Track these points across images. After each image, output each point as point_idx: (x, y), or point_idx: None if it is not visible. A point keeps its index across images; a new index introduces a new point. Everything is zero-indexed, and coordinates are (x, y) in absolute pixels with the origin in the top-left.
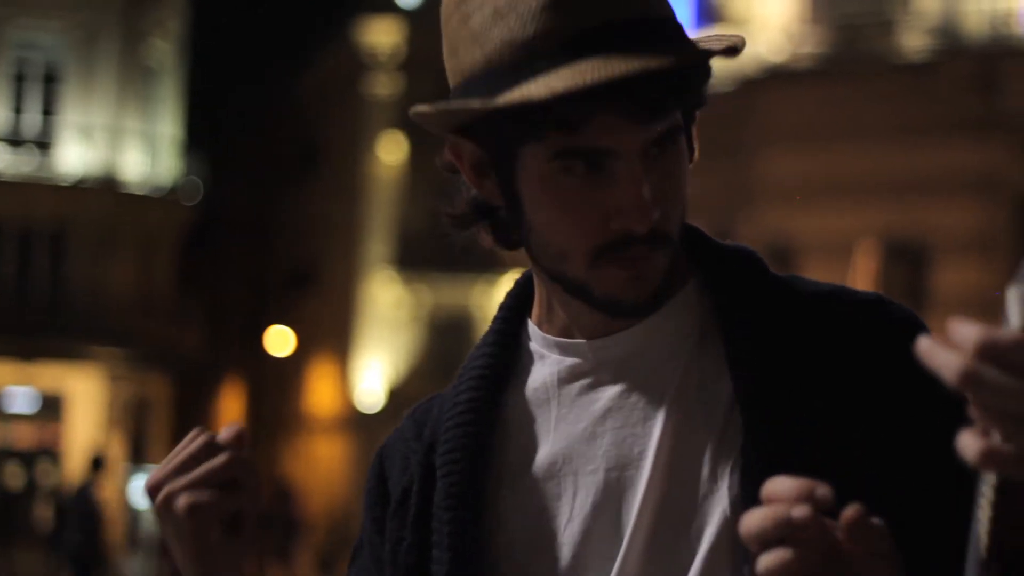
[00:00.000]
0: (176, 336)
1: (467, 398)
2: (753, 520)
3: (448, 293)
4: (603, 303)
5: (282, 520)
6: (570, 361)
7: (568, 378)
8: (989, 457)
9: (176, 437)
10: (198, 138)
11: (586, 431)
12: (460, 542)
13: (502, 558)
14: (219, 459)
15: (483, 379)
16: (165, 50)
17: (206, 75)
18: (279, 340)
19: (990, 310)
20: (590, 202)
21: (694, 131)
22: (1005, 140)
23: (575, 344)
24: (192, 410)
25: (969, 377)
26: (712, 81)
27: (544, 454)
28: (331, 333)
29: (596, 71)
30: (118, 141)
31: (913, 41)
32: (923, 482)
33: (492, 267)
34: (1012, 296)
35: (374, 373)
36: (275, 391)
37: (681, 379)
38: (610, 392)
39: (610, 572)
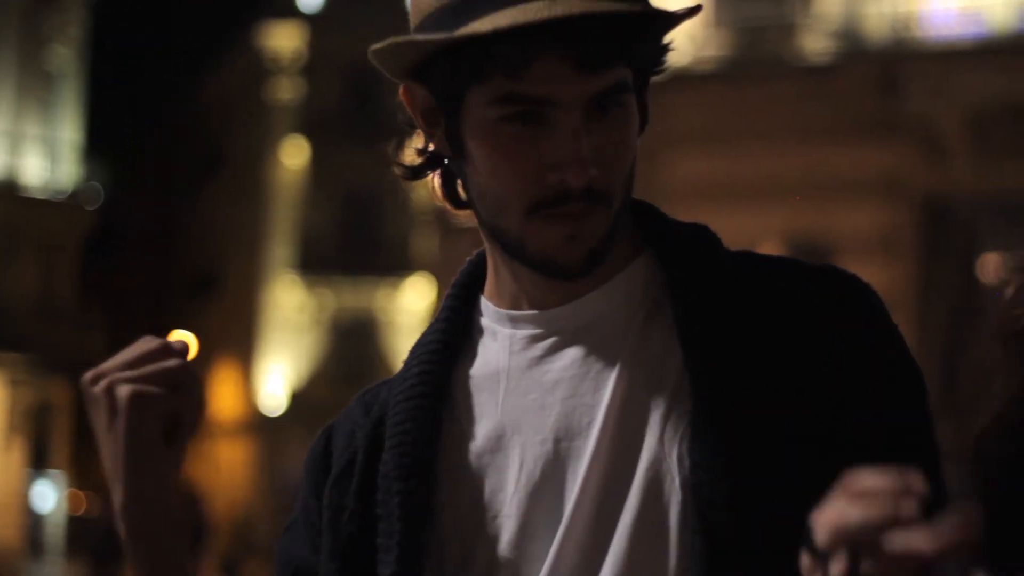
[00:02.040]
0: (78, 341)
1: (418, 371)
2: (853, 516)
3: (351, 297)
4: (537, 262)
5: (190, 525)
6: (521, 332)
7: (518, 350)
8: None
9: (78, 443)
10: (99, 143)
11: (535, 402)
12: (410, 511)
13: (454, 528)
14: (170, 361)
15: (434, 354)
16: (66, 55)
17: (108, 80)
18: None
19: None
20: (528, 152)
21: (647, 96)
22: (907, 142)
23: (525, 315)
24: None
25: None
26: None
27: (493, 425)
28: (234, 337)
29: (540, 11)
30: (18, 146)
31: (815, 44)
32: (869, 446)
33: (395, 271)
34: None
35: (277, 377)
36: None
37: (631, 350)
38: (560, 363)
39: (555, 539)
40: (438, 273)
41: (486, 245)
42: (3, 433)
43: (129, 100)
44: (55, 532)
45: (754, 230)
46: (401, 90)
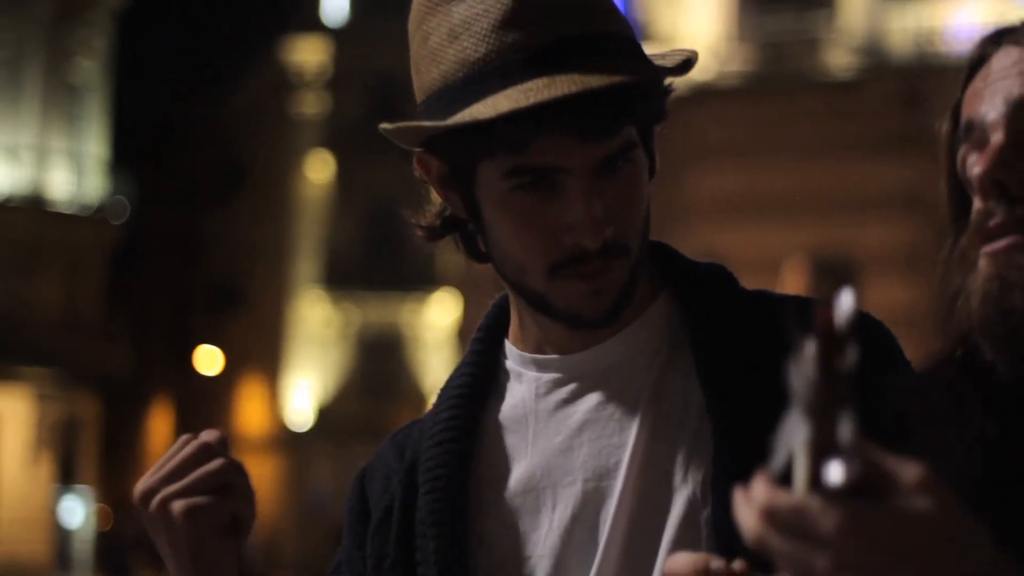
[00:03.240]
0: (104, 355)
1: (447, 416)
2: None
3: (377, 312)
4: (563, 316)
5: None
6: (546, 376)
7: (544, 393)
8: None
9: (104, 456)
10: (125, 157)
11: (563, 444)
12: (446, 556)
13: (486, 568)
14: (213, 464)
15: (462, 398)
16: (91, 69)
17: (133, 94)
18: (208, 359)
19: (916, 325)
20: (543, 218)
21: (654, 145)
22: (931, 157)
23: (549, 360)
24: (121, 430)
25: (757, 541)
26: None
27: (523, 468)
28: (260, 352)
29: (540, 92)
30: (44, 160)
31: (839, 59)
32: None
33: (421, 285)
34: (778, 441)
35: (303, 392)
36: (204, 410)
37: (653, 391)
38: (585, 405)
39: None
40: (464, 288)
41: (510, 293)
42: (30, 448)
43: (154, 114)
44: (83, 547)
45: (778, 245)
46: (415, 160)
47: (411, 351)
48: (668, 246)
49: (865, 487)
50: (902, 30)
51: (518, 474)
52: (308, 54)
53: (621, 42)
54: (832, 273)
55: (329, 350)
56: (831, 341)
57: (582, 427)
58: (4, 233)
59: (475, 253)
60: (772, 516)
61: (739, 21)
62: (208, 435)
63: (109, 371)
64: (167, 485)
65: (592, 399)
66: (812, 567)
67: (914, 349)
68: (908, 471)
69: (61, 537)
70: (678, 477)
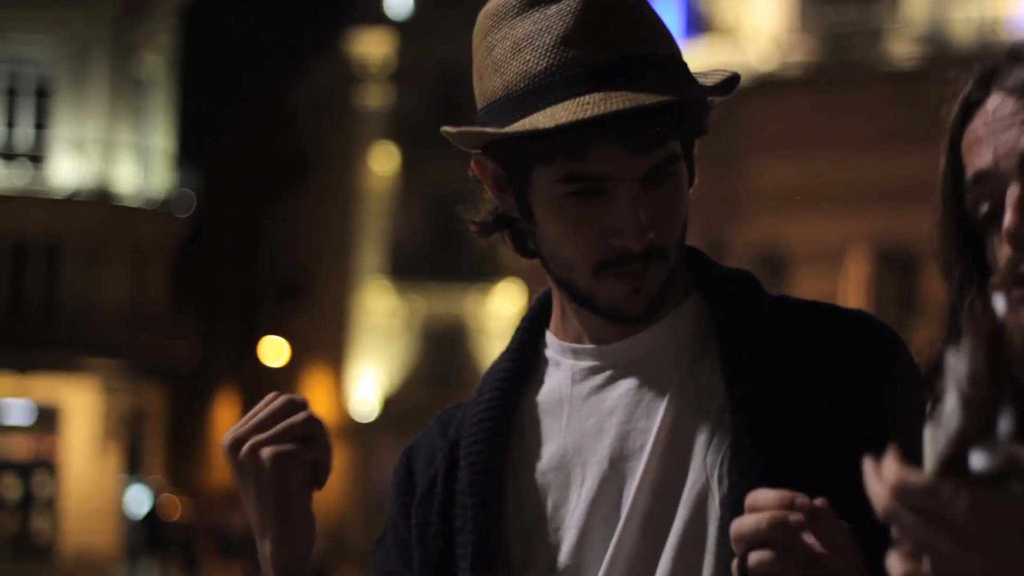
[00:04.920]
0: (170, 347)
1: (489, 398)
2: (748, 523)
3: (441, 302)
4: (606, 312)
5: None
6: (582, 364)
7: (580, 379)
8: None
9: (171, 447)
10: (190, 150)
11: (595, 426)
12: (482, 524)
13: (518, 537)
14: (299, 415)
15: (504, 381)
16: (156, 63)
17: (198, 88)
18: (273, 350)
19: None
20: (593, 221)
21: (694, 156)
22: None
23: (587, 349)
24: (187, 421)
25: (887, 513)
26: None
27: (557, 446)
28: (325, 343)
29: (597, 106)
30: (110, 154)
31: (901, 49)
32: None
33: (485, 277)
34: (927, 435)
35: (368, 382)
36: None
37: (680, 381)
38: (617, 392)
39: (608, 549)
40: (527, 279)
41: (553, 289)
42: (98, 439)
43: (219, 107)
44: (148, 537)
45: (841, 236)
46: (472, 161)
47: (475, 341)
48: (700, 251)
49: (998, 478)
50: (965, 19)
51: (551, 452)
52: (372, 47)
53: (670, 62)
54: (895, 263)
55: (394, 340)
56: (995, 340)
57: (613, 411)
58: (71, 227)
59: (523, 250)
60: (904, 493)
61: (801, 12)
62: (294, 396)
63: (175, 363)
64: (257, 433)
65: (624, 386)
66: (937, 547)
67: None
68: (1002, 461)
69: (128, 527)
70: (697, 461)
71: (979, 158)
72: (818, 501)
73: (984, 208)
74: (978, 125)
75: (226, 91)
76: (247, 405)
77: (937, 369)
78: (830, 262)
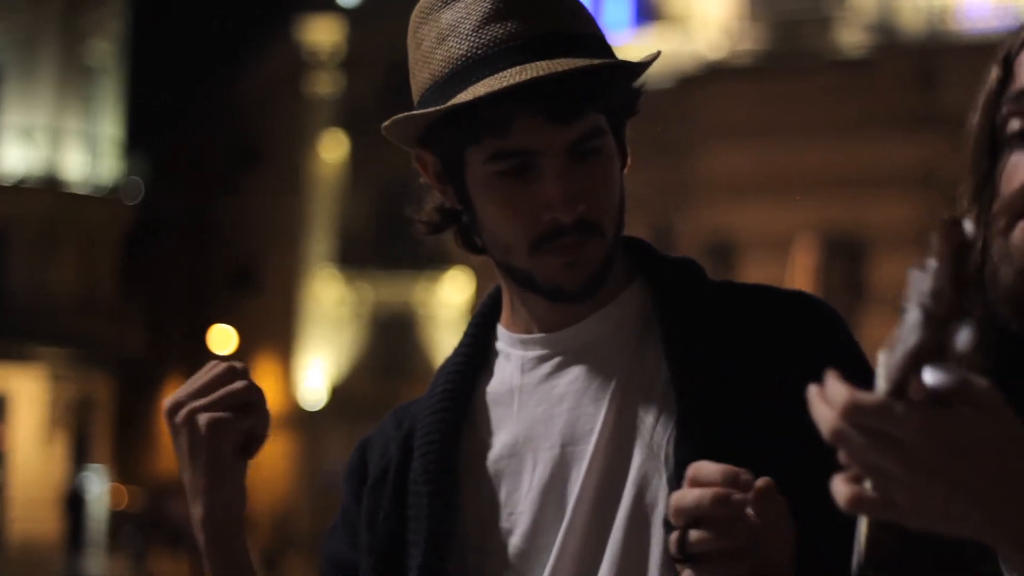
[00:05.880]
0: (118, 335)
1: (442, 390)
2: (689, 497)
3: (390, 291)
4: (547, 290)
5: None
6: (531, 353)
7: (529, 368)
8: (857, 503)
9: (119, 436)
10: (139, 138)
11: (545, 413)
12: (436, 511)
13: (473, 525)
14: (237, 384)
15: (457, 374)
16: (106, 50)
17: (147, 75)
18: (222, 339)
19: None
20: (523, 198)
21: (625, 137)
22: (942, 134)
23: (535, 338)
24: (135, 409)
25: (835, 435)
26: (650, 80)
27: (509, 435)
28: (274, 331)
29: (514, 76)
30: (59, 141)
31: (851, 37)
32: (824, 465)
33: (433, 265)
34: (880, 360)
35: (317, 371)
36: None
37: (626, 366)
38: (565, 379)
39: (560, 531)
40: (476, 267)
41: (501, 280)
42: (45, 427)
43: (169, 95)
44: (96, 527)
45: (789, 224)
46: (413, 157)
47: (424, 330)
48: (643, 240)
49: (950, 398)
50: (914, 8)
51: (503, 440)
52: (322, 34)
53: (589, 39)
54: (842, 251)
55: (342, 329)
56: (961, 255)
57: (562, 398)
58: (19, 214)
59: (471, 245)
60: (853, 414)
61: (751, 0)
62: (235, 363)
63: (123, 351)
64: (195, 399)
65: (572, 373)
66: (885, 468)
67: None
68: (979, 384)
69: (75, 516)
70: (643, 442)
71: None
72: (760, 481)
73: (1016, 124)
74: None
75: (176, 79)
76: None
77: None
78: (779, 250)
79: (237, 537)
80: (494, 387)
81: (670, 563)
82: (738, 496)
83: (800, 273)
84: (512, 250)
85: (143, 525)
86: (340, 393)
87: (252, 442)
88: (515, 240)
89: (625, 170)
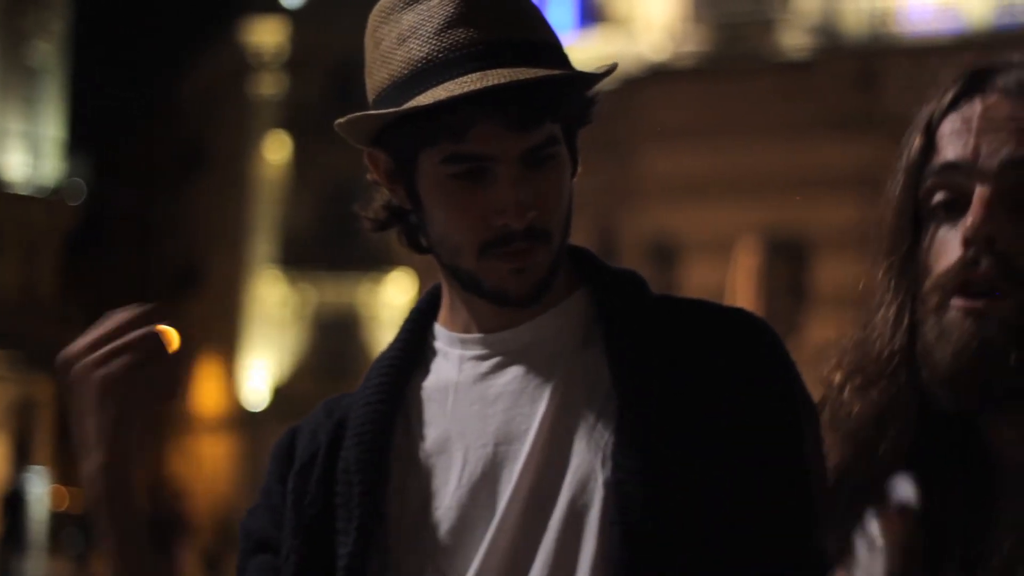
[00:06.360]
0: (61, 337)
1: (377, 383)
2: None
3: (333, 292)
4: (492, 294)
5: (170, 520)
6: (469, 352)
7: (466, 367)
8: None
9: (61, 438)
10: (82, 139)
11: (479, 412)
12: (367, 502)
13: (400, 517)
14: (135, 334)
15: (392, 368)
16: (48, 51)
17: (90, 76)
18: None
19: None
20: (475, 203)
21: (576, 145)
22: (884, 137)
23: (474, 338)
24: None
25: None
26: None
27: (441, 431)
28: (217, 332)
29: (475, 83)
30: (0, 142)
31: (793, 40)
32: (755, 471)
33: (377, 266)
34: (859, 546)
35: (259, 372)
36: None
37: (566, 369)
38: (502, 379)
39: (489, 529)
40: (419, 268)
41: (443, 280)
42: None
43: (112, 96)
44: (37, 528)
45: (732, 226)
46: (365, 155)
47: (367, 330)
48: (588, 250)
49: None
50: (856, 11)
51: (434, 436)
52: (266, 35)
53: (548, 48)
54: (785, 253)
55: (285, 330)
56: (910, 541)
57: (497, 398)
58: None
59: (415, 244)
60: None
61: (695, 2)
62: (136, 309)
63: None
64: (90, 352)
65: (510, 373)
66: None
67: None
68: None
69: (15, 517)
70: (581, 444)
71: (955, 149)
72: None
73: (940, 196)
74: (964, 118)
75: (119, 80)
76: None
77: (886, 413)
78: (721, 251)
79: (133, 503)
80: (429, 383)
81: (604, 565)
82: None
83: (743, 274)
84: (460, 253)
85: (85, 527)
86: (283, 394)
87: (160, 392)
88: (464, 243)
89: (575, 177)
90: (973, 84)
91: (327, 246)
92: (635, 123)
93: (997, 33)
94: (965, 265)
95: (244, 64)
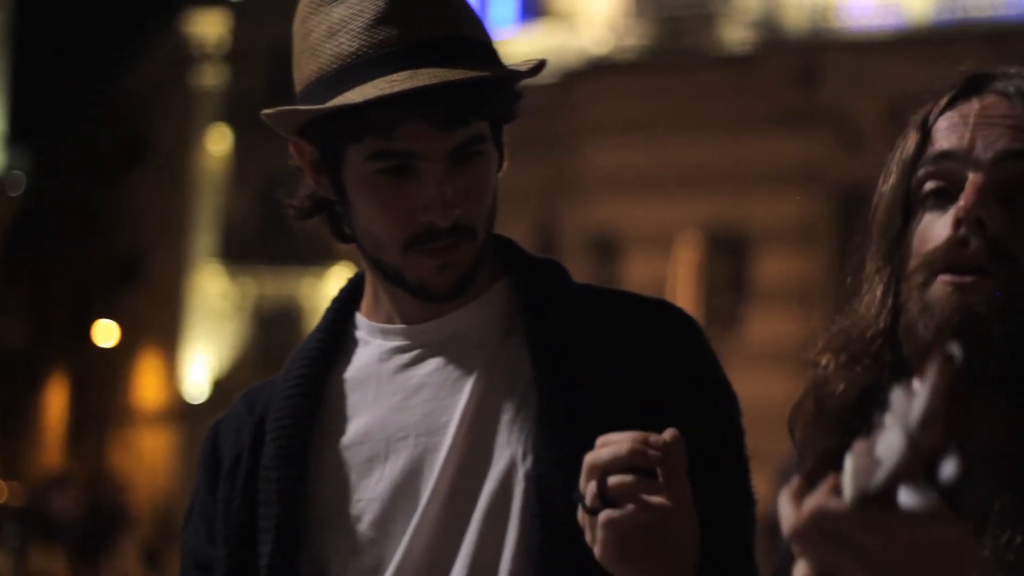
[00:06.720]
0: (1, 328)
1: (297, 374)
2: (605, 452)
3: (274, 285)
4: (415, 288)
5: (110, 513)
6: (391, 343)
7: (388, 358)
8: None
9: (1, 433)
10: (23, 130)
11: (400, 404)
12: (285, 496)
13: (322, 511)
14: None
15: (313, 360)
16: None
17: (32, 67)
18: (105, 332)
19: (809, 299)
20: (401, 198)
21: (503, 141)
22: (825, 132)
23: (396, 328)
24: (15, 403)
25: (795, 534)
26: (535, 77)
27: (362, 422)
28: (159, 325)
29: (404, 82)
30: None
31: (735, 34)
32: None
33: (319, 260)
34: (848, 465)
35: (200, 365)
36: (101, 384)
37: (487, 360)
38: (424, 370)
39: (412, 521)
40: (360, 263)
41: (366, 270)
42: None
43: (53, 87)
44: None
45: (673, 220)
46: (291, 146)
47: (308, 324)
48: (511, 240)
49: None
50: (798, 6)
51: (356, 428)
52: (209, 27)
53: (478, 46)
54: (726, 248)
55: (226, 323)
56: (957, 389)
57: (419, 389)
58: None
59: (339, 233)
60: (821, 518)
61: None
62: None
63: (4, 344)
64: None
65: (431, 364)
66: (844, 565)
67: (805, 322)
68: (934, 501)
69: None
70: (503, 436)
71: (950, 140)
72: (668, 432)
73: (932, 184)
74: (961, 114)
75: (62, 71)
76: (78, 388)
77: (871, 396)
78: (662, 246)
79: None
80: (351, 374)
81: (525, 556)
82: (652, 451)
83: (683, 269)
84: (384, 247)
85: (23, 520)
86: (223, 387)
87: None
88: (388, 238)
89: (501, 172)
90: (970, 87)
91: (268, 239)
92: (576, 117)
93: (937, 29)
94: (955, 243)
95: (187, 56)
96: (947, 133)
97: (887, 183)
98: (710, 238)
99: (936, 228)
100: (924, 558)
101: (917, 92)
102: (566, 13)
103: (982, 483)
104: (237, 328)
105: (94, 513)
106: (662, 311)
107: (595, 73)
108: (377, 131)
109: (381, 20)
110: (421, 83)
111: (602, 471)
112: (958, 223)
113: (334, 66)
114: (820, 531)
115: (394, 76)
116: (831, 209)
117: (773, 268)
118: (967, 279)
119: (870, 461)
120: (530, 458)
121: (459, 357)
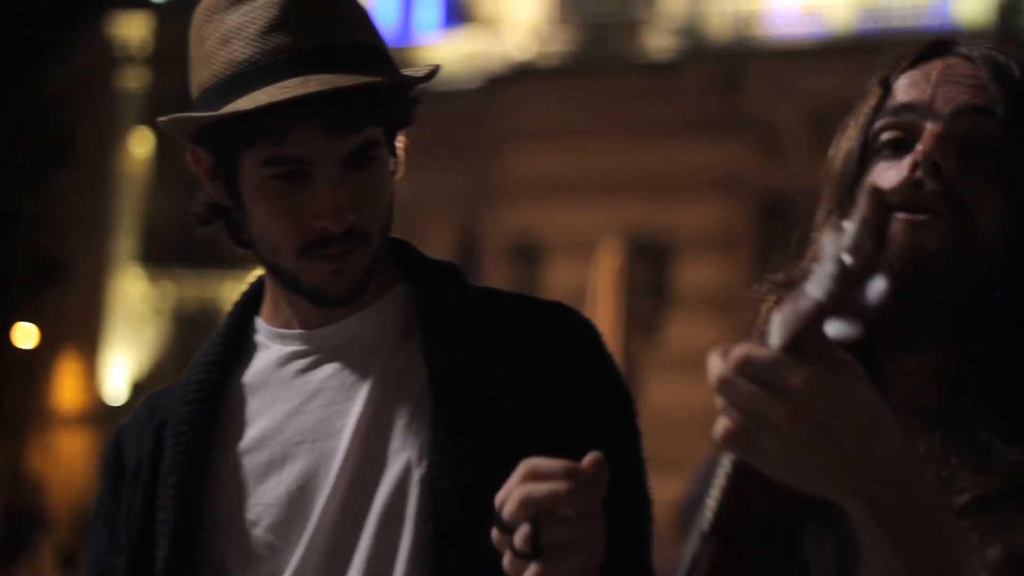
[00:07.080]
0: None
1: (196, 380)
2: (540, 490)
3: (195, 288)
4: (311, 293)
5: (28, 516)
6: (288, 348)
7: (285, 362)
8: (731, 439)
9: None
10: None
11: (297, 408)
12: (184, 502)
13: (220, 516)
14: None
15: (212, 365)
16: None
17: None
18: (24, 334)
19: (730, 306)
20: (295, 204)
21: (398, 146)
22: (747, 139)
23: (294, 333)
24: None
25: (721, 383)
26: (457, 80)
27: (260, 428)
28: (79, 328)
29: (295, 88)
30: None
31: (658, 41)
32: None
33: (240, 264)
34: (775, 319)
35: (120, 368)
36: (20, 386)
37: (383, 366)
38: (321, 375)
39: (308, 526)
40: None
41: (266, 275)
42: None
43: None
44: None
45: (595, 226)
46: (188, 153)
47: None
48: (408, 243)
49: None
50: (721, 14)
51: (254, 433)
52: (132, 29)
53: (372, 52)
54: (648, 254)
55: (146, 326)
56: (884, 212)
57: (315, 393)
58: None
59: (237, 239)
60: (747, 364)
61: (561, 3)
62: None
63: None
64: None
65: (327, 369)
66: (768, 415)
67: (728, 328)
68: (859, 331)
69: None
70: (397, 441)
71: (911, 94)
72: (591, 459)
73: (889, 135)
74: (923, 72)
75: None
76: None
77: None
78: (583, 251)
79: None
80: (249, 379)
81: (419, 560)
82: (586, 496)
83: (604, 275)
84: (279, 252)
85: None
86: (141, 389)
87: None
88: (283, 244)
89: (397, 177)
90: (933, 50)
91: (189, 243)
92: (500, 123)
93: (860, 38)
94: (910, 184)
95: (110, 58)
96: (908, 88)
97: (844, 135)
98: (632, 244)
99: (889, 174)
100: (841, 415)
101: (839, 100)
102: (490, 19)
103: (911, 425)
104: (157, 331)
105: (11, 515)
106: (558, 314)
107: (519, 79)
108: (269, 137)
109: (274, 27)
110: (312, 89)
111: (536, 509)
112: (915, 166)
113: (227, 73)
114: (745, 378)
115: (285, 83)
116: (752, 216)
117: (694, 275)
118: (921, 217)
119: (797, 305)
120: (424, 463)
121: (355, 362)
